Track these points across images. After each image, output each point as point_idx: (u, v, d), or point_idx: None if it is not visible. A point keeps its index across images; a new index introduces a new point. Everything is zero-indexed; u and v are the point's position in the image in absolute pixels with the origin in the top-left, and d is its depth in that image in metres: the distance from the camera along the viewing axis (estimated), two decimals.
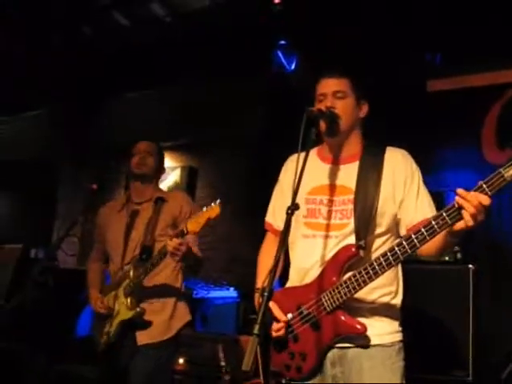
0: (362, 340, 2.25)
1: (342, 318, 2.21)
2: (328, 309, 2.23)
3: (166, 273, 3.24)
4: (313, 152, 2.48)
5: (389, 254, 2.12)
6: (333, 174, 2.40)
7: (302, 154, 2.15)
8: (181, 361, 4.10)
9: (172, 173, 6.63)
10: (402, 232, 2.33)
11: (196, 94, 6.46)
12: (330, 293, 2.22)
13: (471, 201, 1.89)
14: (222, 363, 3.92)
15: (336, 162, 2.43)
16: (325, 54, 5.05)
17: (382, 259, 2.14)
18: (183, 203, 3.34)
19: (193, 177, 6.57)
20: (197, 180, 6.59)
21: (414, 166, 2.39)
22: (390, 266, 2.14)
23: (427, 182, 2.42)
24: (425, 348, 3.61)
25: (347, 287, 2.19)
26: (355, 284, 2.18)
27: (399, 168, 2.35)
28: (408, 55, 5.09)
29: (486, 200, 1.89)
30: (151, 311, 3.15)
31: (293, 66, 5.69)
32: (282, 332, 2.30)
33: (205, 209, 2.79)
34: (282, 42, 5.63)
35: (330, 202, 2.36)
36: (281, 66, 5.68)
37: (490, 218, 4.64)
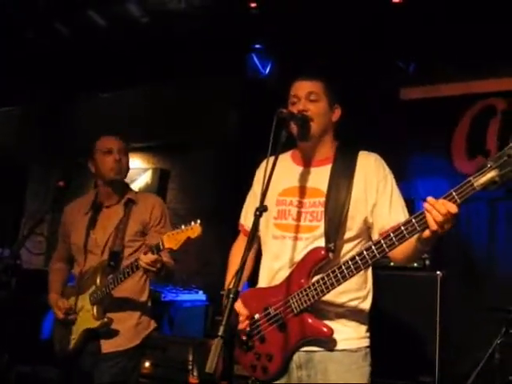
0: (328, 344, 2.25)
1: (309, 320, 2.21)
2: (295, 311, 2.23)
3: (134, 280, 3.10)
4: (287, 154, 2.50)
5: (357, 257, 2.12)
6: (305, 176, 2.40)
7: (272, 157, 2.16)
8: (147, 364, 4.05)
9: (143, 174, 6.58)
10: (375, 237, 2.32)
11: (169, 96, 6.42)
12: (298, 295, 2.22)
13: (439, 209, 1.90)
14: (190, 366, 3.88)
15: (309, 165, 2.43)
16: (300, 59, 5.06)
17: (350, 263, 2.14)
18: (154, 207, 3.19)
19: (164, 179, 6.51)
20: (168, 182, 6.54)
21: (387, 170, 2.39)
22: (358, 269, 2.14)
23: None
24: (392, 353, 3.63)
25: (315, 290, 2.18)
26: (323, 287, 2.17)
27: (371, 172, 2.35)
28: (383, 63, 5.13)
29: (453, 208, 1.89)
30: (117, 319, 3.05)
31: (267, 70, 5.70)
32: (245, 325, 2.29)
33: (183, 227, 2.65)
34: (257, 46, 5.63)
35: (300, 203, 2.36)
36: (255, 69, 5.68)
37: (459, 226, 4.69)
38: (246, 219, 2.59)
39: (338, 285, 2.16)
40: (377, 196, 2.32)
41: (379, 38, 4.98)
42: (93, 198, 3.31)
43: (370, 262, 2.10)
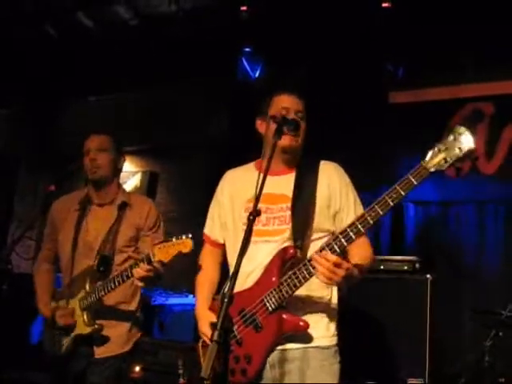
0: (302, 340, 2.32)
1: (284, 316, 2.29)
2: (270, 308, 2.30)
3: (125, 285, 3.01)
4: (251, 165, 2.64)
5: (326, 248, 2.20)
6: (270, 184, 2.41)
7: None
8: (137, 368, 4.01)
9: (132, 177, 6.55)
10: None
11: (158, 99, 6.41)
12: (272, 293, 2.30)
13: (322, 263, 2.12)
14: (180, 371, 3.85)
15: (274, 173, 2.47)
16: (289, 63, 5.07)
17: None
18: (149, 212, 3.14)
19: (153, 182, 6.49)
20: (157, 185, 6.51)
21: (348, 178, 2.55)
22: None
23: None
24: (382, 355, 3.64)
25: (288, 285, 2.27)
26: (296, 281, 2.25)
27: (334, 179, 2.50)
28: (372, 67, 5.16)
29: (331, 257, 2.12)
30: (110, 325, 3.02)
31: (257, 74, 5.71)
32: None
33: (174, 239, 2.65)
34: (247, 49, 5.64)
35: (269, 209, 2.46)
36: (245, 72, 5.70)
37: (449, 229, 4.72)
38: (213, 229, 2.68)
39: (310, 277, 2.24)
40: (341, 202, 2.47)
41: (368, 41, 5.01)
42: (83, 196, 3.23)
43: (338, 251, 2.19)
